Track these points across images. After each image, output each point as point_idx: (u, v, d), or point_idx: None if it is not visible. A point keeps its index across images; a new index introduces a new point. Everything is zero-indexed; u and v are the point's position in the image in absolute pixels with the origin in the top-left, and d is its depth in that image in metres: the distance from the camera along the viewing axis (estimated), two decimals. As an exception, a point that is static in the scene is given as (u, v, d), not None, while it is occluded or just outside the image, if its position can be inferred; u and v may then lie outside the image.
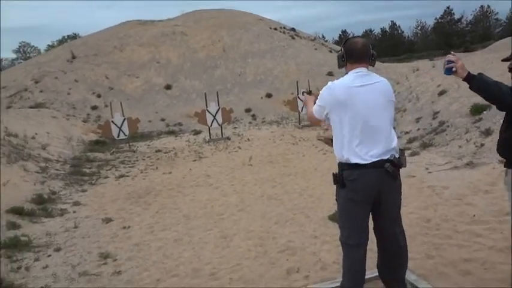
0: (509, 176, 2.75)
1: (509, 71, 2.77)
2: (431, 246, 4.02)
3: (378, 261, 2.93)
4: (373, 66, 2.78)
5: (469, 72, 2.58)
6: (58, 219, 6.22)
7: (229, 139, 12.51)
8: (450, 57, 2.62)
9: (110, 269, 4.35)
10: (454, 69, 2.60)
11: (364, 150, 2.60)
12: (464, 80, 2.61)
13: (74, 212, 6.56)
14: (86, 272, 4.29)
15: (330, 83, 2.75)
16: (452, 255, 3.76)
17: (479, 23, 66.83)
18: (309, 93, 3.25)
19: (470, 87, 2.64)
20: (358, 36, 2.87)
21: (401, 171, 2.71)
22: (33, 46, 64.84)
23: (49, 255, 4.81)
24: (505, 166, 2.87)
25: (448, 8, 65.82)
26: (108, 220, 5.97)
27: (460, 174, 6.20)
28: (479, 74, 2.59)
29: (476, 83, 2.56)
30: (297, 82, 14.74)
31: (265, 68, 19.72)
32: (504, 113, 2.81)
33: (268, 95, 17.97)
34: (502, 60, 2.89)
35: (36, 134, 11.16)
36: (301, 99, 13.62)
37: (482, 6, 66.98)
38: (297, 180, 7.28)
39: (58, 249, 4.97)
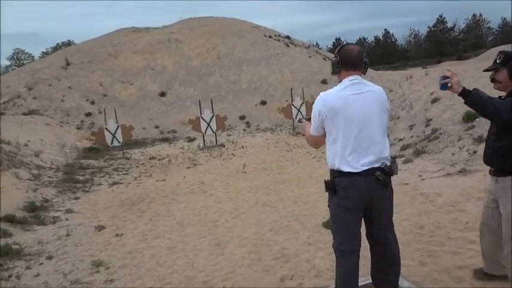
0: (509, 183, 2.82)
1: (491, 81, 2.88)
2: (425, 253, 4.02)
3: (371, 267, 2.94)
4: (365, 74, 2.79)
5: (464, 88, 2.64)
6: (50, 227, 6.17)
7: (224, 146, 12.51)
8: (446, 73, 2.67)
9: (102, 277, 4.31)
10: (449, 84, 2.66)
11: (356, 159, 2.61)
12: (459, 95, 2.68)
13: (67, 219, 6.51)
14: (78, 280, 4.25)
15: (322, 93, 2.75)
16: (446, 262, 3.77)
17: (471, 31, 67.61)
18: (309, 119, 3.01)
19: (465, 102, 2.70)
20: (353, 44, 2.88)
21: (395, 178, 2.72)
22: (27, 53, 64.68)
23: (41, 264, 4.76)
24: (494, 174, 2.94)
25: (440, 16, 66.60)
26: (101, 228, 5.93)
27: (453, 181, 6.24)
28: (475, 89, 2.64)
29: (471, 98, 2.62)
30: (291, 90, 14.81)
31: (259, 76, 19.78)
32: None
33: (263, 103, 18.01)
34: (484, 71, 2.99)
35: (29, 141, 11.10)
36: (295, 106, 13.68)
37: (474, 15, 67.82)
38: (292, 187, 7.28)
39: (50, 257, 4.92)
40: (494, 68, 2.85)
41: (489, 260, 3.21)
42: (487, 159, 3.00)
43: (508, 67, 2.75)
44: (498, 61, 2.81)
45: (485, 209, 3.18)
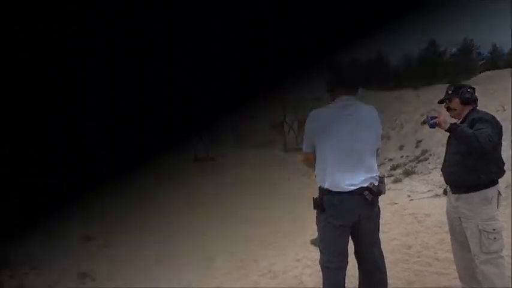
0: (472, 199, 2.98)
1: (447, 110, 3.23)
2: (412, 273, 4.04)
3: (358, 285, 2.95)
4: (355, 94, 2.84)
5: (450, 125, 2.87)
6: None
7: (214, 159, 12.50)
8: (433, 113, 2.95)
9: (88, 288, 4.27)
10: (437, 121, 2.90)
11: (345, 180, 2.63)
12: (446, 131, 2.91)
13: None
14: (63, 291, 4.20)
15: (314, 111, 2.79)
16: (432, 282, 3.79)
17: (462, 56, 68.83)
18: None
19: (453, 137, 2.97)
20: (347, 63, 2.93)
21: (384, 198, 2.75)
22: None
23: (25, 273, 4.69)
24: (455, 192, 3.10)
25: (432, 39, 67.84)
26: (88, 238, 5.87)
27: (441, 202, 6.25)
28: (460, 127, 2.89)
29: (457, 134, 2.88)
30: (285, 105, 14.87)
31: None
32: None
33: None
34: (438, 102, 3.35)
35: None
36: (287, 123, 13.76)
37: (465, 40, 69.16)
38: (281, 203, 7.28)
39: (35, 267, 4.85)
40: (447, 98, 3.20)
41: (466, 279, 3.28)
42: (454, 177, 3.14)
43: (459, 95, 3.11)
44: (450, 92, 3.19)
45: (452, 227, 3.29)
